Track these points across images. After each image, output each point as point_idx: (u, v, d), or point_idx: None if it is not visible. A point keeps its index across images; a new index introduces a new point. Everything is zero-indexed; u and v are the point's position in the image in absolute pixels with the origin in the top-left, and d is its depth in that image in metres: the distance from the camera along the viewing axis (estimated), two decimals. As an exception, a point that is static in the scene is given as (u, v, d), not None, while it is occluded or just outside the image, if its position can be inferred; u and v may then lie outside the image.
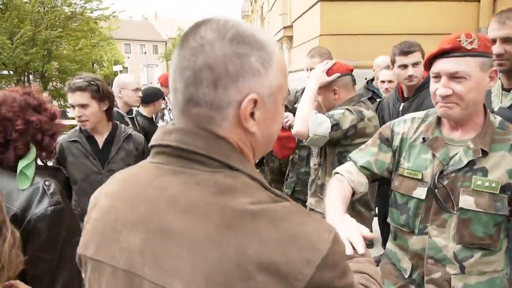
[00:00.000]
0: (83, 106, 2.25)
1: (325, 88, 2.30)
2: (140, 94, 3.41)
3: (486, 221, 1.36)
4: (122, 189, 0.75)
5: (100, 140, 2.37)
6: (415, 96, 2.75)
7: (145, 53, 46.48)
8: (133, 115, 3.48)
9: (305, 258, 0.61)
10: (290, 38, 8.84)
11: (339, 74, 2.27)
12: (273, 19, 11.78)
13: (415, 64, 2.66)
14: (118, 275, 0.69)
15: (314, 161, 2.52)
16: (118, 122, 2.52)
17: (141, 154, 2.50)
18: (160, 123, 4.85)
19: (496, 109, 1.88)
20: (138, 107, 3.63)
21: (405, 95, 2.84)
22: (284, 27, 8.99)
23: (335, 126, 2.10)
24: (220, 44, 0.67)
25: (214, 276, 0.60)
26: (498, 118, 1.43)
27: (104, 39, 20.21)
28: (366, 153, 1.60)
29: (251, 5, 23.10)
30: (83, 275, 0.79)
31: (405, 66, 2.68)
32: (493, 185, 1.34)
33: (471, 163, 1.38)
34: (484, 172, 1.36)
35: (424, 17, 5.39)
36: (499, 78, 1.93)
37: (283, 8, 9.38)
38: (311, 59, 2.92)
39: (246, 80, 0.68)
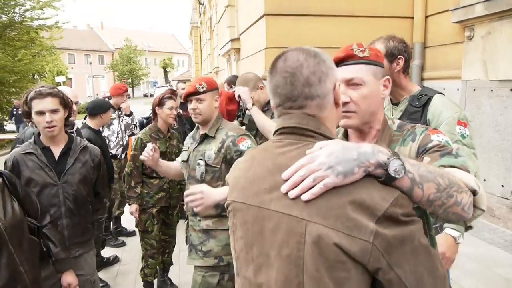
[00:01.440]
0: (54, 111, 2.23)
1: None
2: (74, 107, 3.12)
3: None
4: (254, 157, 1.12)
5: (57, 151, 2.34)
6: None
7: (91, 63, 44.94)
8: (74, 130, 3.31)
9: (383, 196, 0.87)
10: (238, 50, 8.96)
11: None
12: (221, 31, 11.88)
13: None
14: (250, 209, 1.03)
15: None
16: (73, 134, 2.48)
17: (98, 165, 2.50)
18: (106, 132, 4.74)
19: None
20: (73, 120, 3.34)
21: None
22: (232, 40, 9.11)
23: None
24: (312, 59, 1.04)
25: (321, 205, 0.88)
26: (397, 122, 1.45)
27: (46, 49, 19.38)
28: None
29: (200, 16, 23.12)
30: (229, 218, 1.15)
31: None
32: None
33: None
34: None
35: (362, 31, 5.69)
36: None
37: (231, 21, 9.50)
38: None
39: (331, 74, 1.06)
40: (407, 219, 0.88)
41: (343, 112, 1.40)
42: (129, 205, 3.44)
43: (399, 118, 1.98)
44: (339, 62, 1.39)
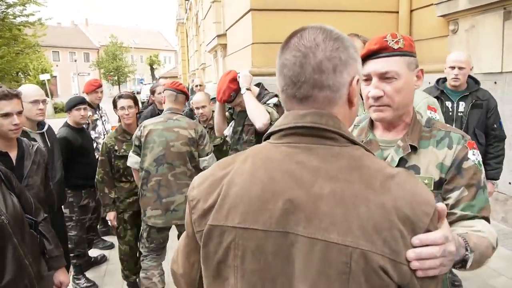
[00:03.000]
0: (20, 113, 2.19)
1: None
2: (41, 106, 2.98)
3: None
4: (256, 166, 0.86)
5: (14, 155, 2.25)
6: None
7: (76, 61, 44.35)
8: (44, 130, 3.08)
9: (424, 211, 0.78)
10: (224, 46, 8.92)
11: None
12: (208, 27, 11.81)
13: None
14: (270, 237, 0.80)
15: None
16: (19, 136, 2.38)
17: (45, 166, 2.44)
18: (93, 134, 4.50)
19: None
20: (42, 119, 3.12)
21: None
22: (218, 35, 9.06)
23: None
24: (331, 41, 0.85)
25: (367, 227, 0.75)
26: (425, 117, 1.43)
27: (29, 47, 19.06)
28: None
29: (186, 12, 22.96)
30: (209, 245, 0.87)
31: None
32: (426, 181, 1.31)
33: (402, 162, 1.35)
34: (416, 169, 1.34)
35: (348, 26, 5.66)
36: None
37: (217, 17, 9.45)
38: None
39: (351, 65, 0.88)
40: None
41: (376, 106, 1.35)
42: (106, 212, 3.32)
43: None
44: (373, 54, 1.33)
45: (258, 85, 3.04)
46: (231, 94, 2.87)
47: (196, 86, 6.30)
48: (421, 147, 1.35)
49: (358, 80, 0.89)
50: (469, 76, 3.36)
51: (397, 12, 6.15)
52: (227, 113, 3.16)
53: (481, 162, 1.34)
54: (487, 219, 1.29)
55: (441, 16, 5.23)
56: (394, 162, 1.35)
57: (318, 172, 0.80)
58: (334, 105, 0.87)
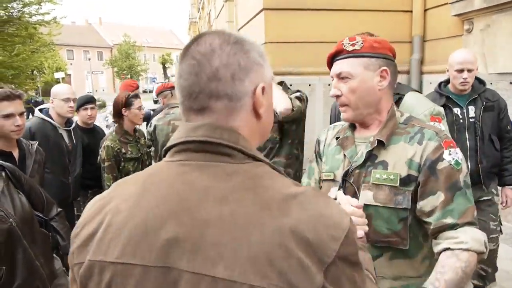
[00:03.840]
0: (22, 114, 2.22)
1: None
2: (71, 104, 3.18)
3: (388, 216, 1.32)
4: (144, 190, 0.75)
5: (16, 155, 2.29)
6: None
7: (89, 59, 44.82)
8: (71, 128, 3.26)
9: (332, 235, 0.67)
10: (237, 45, 8.94)
11: None
12: (220, 26, 11.84)
13: None
14: (150, 273, 0.68)
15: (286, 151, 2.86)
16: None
17: (44, 164, 2.48)
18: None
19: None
20: (71, 117, 3.33)
21: None
22: (231, 34, 9.08)
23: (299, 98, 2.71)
24: (228, 46, 0.78)
25: (258, 257, 0.63)
26: (406, 115, 1.45)
27: (44, 45, 19.32)
28: (310, 174, 1.66)
29: (199, 12, 23.05)
30: (87, 282, 0.74)
31: None
32: (392, 177, 1.32)
33: (372, 158, 1.37)
34: (385, 165, 1.35)
35: (361, 26, 5.61)
36: None
37: (229, 16, 9.48)
38: None
39: (254, 71, 0.80)
40: (357, 259, 0.71)
41: (340, 106, 1.43)
42: None
43: None
44: (332, 58, 1.43)
45: (280, 83, 2.99)
46: None
47: None
48: (392, 143, 1.37)
49: (264, 88, 0.80)
50: None
51: (411, 11, 6.10)
52: None
53: (459, 161, 1.29)
54: (471, 223, 1.25)
55: (455, 15, 5.18)
56: (362, 158, 1.39)
57: (206, 194, 0.70)
58: (235, 116, 0.78)
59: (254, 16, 6.58)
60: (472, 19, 5.01)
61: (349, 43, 1.38)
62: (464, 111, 2.94)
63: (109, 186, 3.28)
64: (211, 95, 0.76)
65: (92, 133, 3.75)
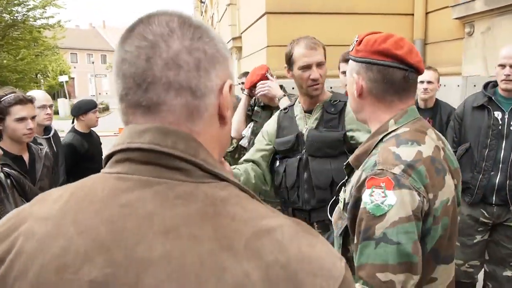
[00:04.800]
0: (34, 118, 2.27)
1: None
2: (48, 111, 3.09)
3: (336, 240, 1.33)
4: (68, 209, 0.56)
5: (26, 159, 2.33)
6: None
7: (93, 62, 44.98)
8: (50, 135, 3.16)
9: (320, 286, 0.50)
10: (239, 48, 8.99)
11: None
12: (223, 29, 11.90)
13: None
14: None
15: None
16: None
17: (52, 169, 2.53)
18: None
19: (304, 131, 1.97)
20: (49, 124, 3.20)
21: None
22: (233, 38, 9.12)
23: None
24: (191, 29, 0.61)
25: None
26: (401, 130, 1.33)
27: (48, 49, 19.47)
28: None
29: (202, 15, 23.15)
30: None
31: (346, 73, 2.80)
32: (342, 199, 1.30)
33: (351, 174, 1.35)
34: (347, 186, 1.32)
35: (363, 29, 5.63)
36: (299, 102, 2.05)
37: (232, 19, 9.52)
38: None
39: (221, 64, 0.62)
40: None
41: None
42: None
43: (316, 127, 1.95)
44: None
45: (280, 87, 2.92)
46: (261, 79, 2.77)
47: None
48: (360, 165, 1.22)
49: (231, 87, 0.64)
50: None
51: (413, 15, 6.13)
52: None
53: (383, 207, 1.02)
54: (367, 284, 1.00)
55: (457, 18, 5.21)
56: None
57: (149, 222, 0.52)
58: (197, 118, 0.60)
59: (257, 20, 6.63)
60: (473, 22, 5.04)
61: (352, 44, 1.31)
62: (506, 116, 2.53)
63: None
64: (169, 87, 0.57)
65: (91, 138, 3.74)
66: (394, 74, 1.17)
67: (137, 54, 0.58)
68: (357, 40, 1.26)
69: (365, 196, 1.06)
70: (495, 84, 2.69)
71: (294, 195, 1.96)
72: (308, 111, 2.01)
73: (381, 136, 1.19)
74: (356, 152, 1.24)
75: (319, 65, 1.96)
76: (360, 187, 1.09)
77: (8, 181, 1.85)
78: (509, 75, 2.48)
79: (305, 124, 1.99)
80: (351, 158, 1.25)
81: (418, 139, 1.13)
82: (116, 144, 0.59)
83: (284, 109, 2.12)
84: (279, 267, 0.50)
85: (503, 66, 2.52)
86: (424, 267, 1.05)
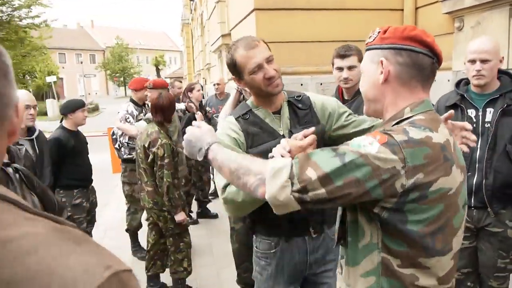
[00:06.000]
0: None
1: None
2: (32, 111, 3.06)
3: None
4: None
5: (5, 159, 2.27)
6: (354, 98, 2.74)
7: (82, 62, 44.62)
8: (33, 137, 3.09)
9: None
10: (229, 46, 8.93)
11: None
12: (212, 27, 11.82)
13: (350, 68, 2.65)
14: None
15: None
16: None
17: (35, 172, 2.45)
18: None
19: (284, 133, 1.87)
20: (32, 125, 3.16)
21: (345, 98, 2.82)
22: (223, 35, 9.07)
23: None
24: None
25: None
26: (416, 117, 1.39)
27: (35, 49, 19.22)
28: None
29: (191, 13, 23.00)
30: None
31: (341, 69, 2.69)
32: None
33: None
34: None
35: (352, 24, 5.67)
36: (257, 107, 1.90)
37: (221, 17, 9.46)
38: None
39: (12, 81, 0.58)
40: None
41: None
42: (176, 214, 3.32)
43: (293, 126, 1.85)
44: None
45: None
46: None
47: (214, 85, 6.59)
48: None
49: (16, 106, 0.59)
50: (502, 72, 2.51)
51: (402, 10, 6.12)
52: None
53: (360, 146, 1.09)
54: (296, 162, 1.11)
55: (446, 13, 5.19)
56: None
57: None
58: None
59: (246, 17, 6.56)
60: (462, 16, 5.02)
61: (368, 36, 1.32)
62: (480, 113, 2.42)
63: (169, 182, 3.21)
64: None
65: (77, 136, 3.82)
66: (423, 60, 1.21)
67: None
68: (379, 31, 1.27)
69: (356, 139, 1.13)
70: (467, 81, 2.60)
71: None
72: (275, 113, 1.88)
73: (394, 122, 1.21)
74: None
75: (269, 61, 1.79)
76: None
77: (17, 175, 1.84)
78: (479, 70, 2.38)
79: (280, 126, 1.86)
80: None
81: (431, 127, 1.15)
82: None
83: (243, 115, 1.88)
84: (15, 284, 0.42)
85: (473, 61, 2.43)
86: (416, 254, 1.11)
